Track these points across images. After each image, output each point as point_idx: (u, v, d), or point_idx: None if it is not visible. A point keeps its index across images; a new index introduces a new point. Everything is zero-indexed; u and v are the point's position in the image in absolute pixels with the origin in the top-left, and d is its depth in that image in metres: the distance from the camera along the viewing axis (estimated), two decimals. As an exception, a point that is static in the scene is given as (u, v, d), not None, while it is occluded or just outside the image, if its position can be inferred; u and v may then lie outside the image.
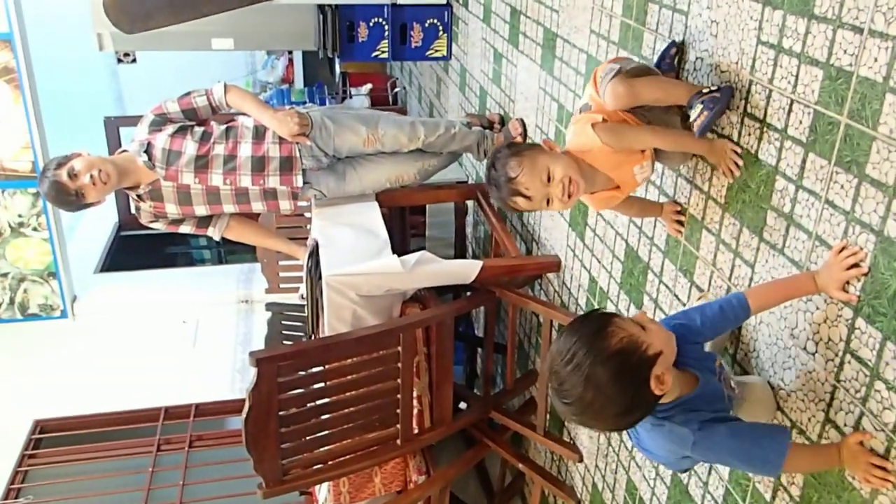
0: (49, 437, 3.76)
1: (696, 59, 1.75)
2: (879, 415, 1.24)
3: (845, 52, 1.28)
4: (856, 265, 1.26)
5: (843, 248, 1.29)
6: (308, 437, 2.30)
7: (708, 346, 1.62)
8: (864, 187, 1.25)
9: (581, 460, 2.55)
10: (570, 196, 1.60)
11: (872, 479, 1.23)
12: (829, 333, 1.35)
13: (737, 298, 1.36)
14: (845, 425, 1.33)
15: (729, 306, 1.36)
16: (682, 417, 1.27)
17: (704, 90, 1.60)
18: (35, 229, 4.74)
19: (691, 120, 1.61)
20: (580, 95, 2.45)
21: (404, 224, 3.36)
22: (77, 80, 6.30)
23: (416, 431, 2.54)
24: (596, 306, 2.40)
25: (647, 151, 1.69)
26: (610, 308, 2.29)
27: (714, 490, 1.76)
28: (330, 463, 2.38)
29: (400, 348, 2.31)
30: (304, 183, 2.69)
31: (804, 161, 1.40)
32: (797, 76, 1.40)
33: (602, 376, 1.13)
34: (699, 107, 1.58)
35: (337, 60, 5.34)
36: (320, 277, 2.47)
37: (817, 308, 1.38)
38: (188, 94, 2.65)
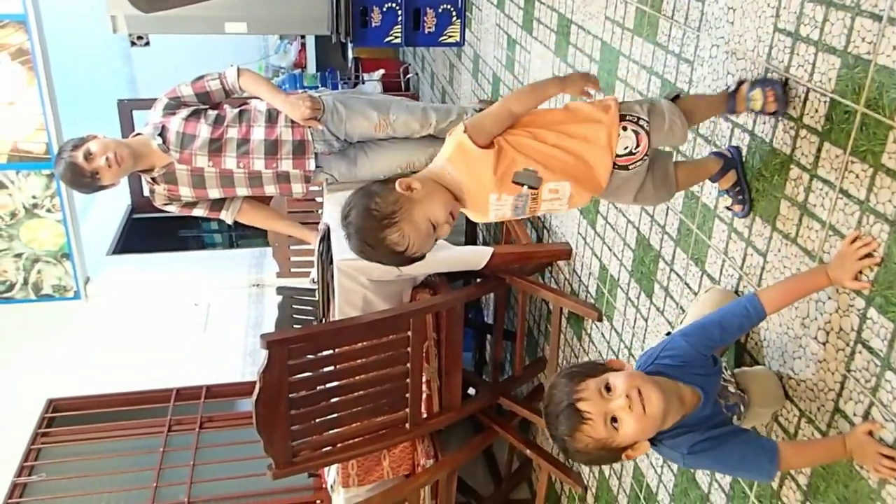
0: (62, 415, 3.81)
1: (713, 46, 1.74)
2: (889, 405, 1.24)
3: (863, 40, 1.27)
4: (868, 255, 1.26)
5: (855, 239, 1.28)
6: (318, 420, 2.32)
7: None
8: (879, 177, 1.25)
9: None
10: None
11: (881, 469, 1.23)
12: (840, 323, 1.35)
13: (753, 306, 1.30)
14: (854, 415, 1.33)
15: (747, 319, 1.31)
16: (672, 441, 1.27)
17: (735, 87, 1.55)
18: (49, 211, 4.77)
19: (761, 110, 1.49)
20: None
21: (415, 210, 3.36)
22: (91, 63, 6.33)
23: (424, 416, 2.56)
24: (606, 294, 2.40)
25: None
26: (620, 297, 2.29)
27: (721, 478, 1.76)
28: (339, 445, 2.40)
29: (410, 333, 2.33)
30: (316, 167, 2.69)
31: (819, 150, 1.39)
32: (814, 64, 1.39)
33: (578, 456, 1.22)
34: (756, 90, 1.49)
35: (349, 45, 5.33)
36: (331, 262, 2.48)
37: (829, 297, 1.38)
38: (201, 77, 2.65)
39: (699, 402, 1.29)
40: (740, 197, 1.63)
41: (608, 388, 1.18)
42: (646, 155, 1.42)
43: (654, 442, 1.28)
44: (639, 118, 1.41)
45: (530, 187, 1.39)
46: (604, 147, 1.40)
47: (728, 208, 1.67)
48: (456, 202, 1.42)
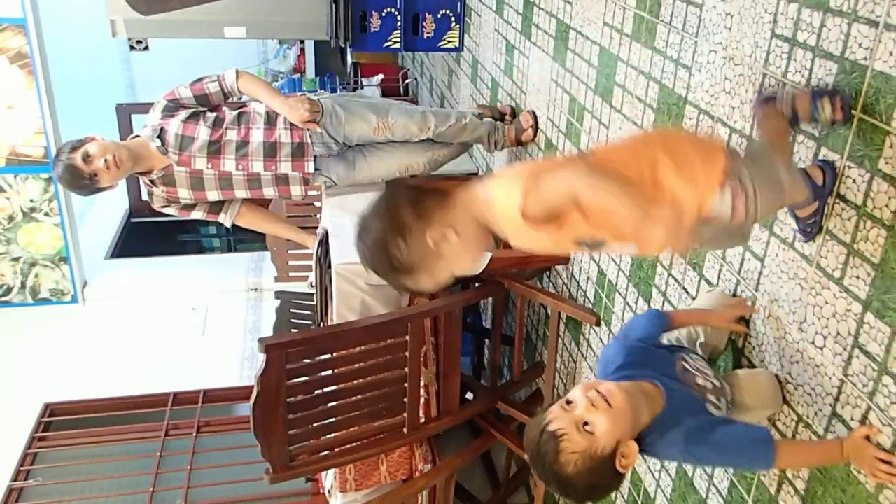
0: (59, 420, 3.80)
1: (710, 51, 1.74)
2: (887, 409, 1.24)
3: (860, 45, 1.27)
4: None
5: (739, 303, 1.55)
6: (315, 424, 2.31)
7: (704, 348, 1.62)
8: (875, 182, 1.25)
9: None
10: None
11: (879, 474, 1.23)
12: (837, 328, 1.35)
13: (662, 314, 1.53)
14: (852, 419, 1.33)
15: (650, 311, 1.54)
16: (664, 440, 1.27)
17: (816, 89, 1.35)
18: (47, 214, 4.77)
19: (827, 119, 1.32)
20: (592, 88, 2.44)
21: (414, 214, 3.36)
22: (90, 67, 6.33)
23: (422, 420, 2.56)
24: (604, 299, 2.41)
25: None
26: (618, 302, 2.30)
27: (719, 483, 1.76)
28: (337, 450, 2.39)
29: (408, 337, 2.32)
30: (315, 169, 2.70)
31: (816, 155, 1.40)
32: (811, 70, 1.40)
33: (577, 481, 1.20)
34: (824, 99, 1.31)
35: (349, 50, 5.34)
36: (329, 266, 2.48)
37: (826, 302, 1.38)
38: (200, 79, 2.66)
39: (662, 393, 1.30)
40: (812, 221, 1.39)
41: (569, 402, 1.23)
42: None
43: (647, 448, 1.28)
44: (743, 183, 1.16)
45: (591, 248, 1.23)
46: (688, 217, 1.14)
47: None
48: (491, 243, 1.22)
